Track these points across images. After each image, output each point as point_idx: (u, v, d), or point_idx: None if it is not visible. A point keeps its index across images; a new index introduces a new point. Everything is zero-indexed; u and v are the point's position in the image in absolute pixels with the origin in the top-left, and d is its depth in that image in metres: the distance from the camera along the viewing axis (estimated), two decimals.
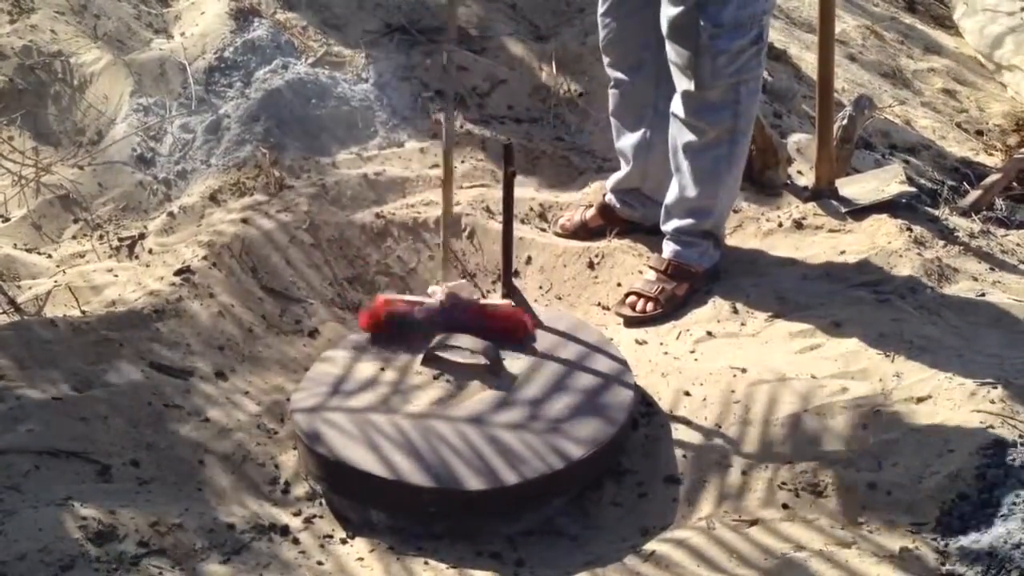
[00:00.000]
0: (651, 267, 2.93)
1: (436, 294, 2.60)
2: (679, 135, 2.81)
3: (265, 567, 2.16)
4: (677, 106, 2.78)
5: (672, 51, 2.71)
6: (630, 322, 2.86)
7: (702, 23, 2.60)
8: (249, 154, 3.40)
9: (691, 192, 2.84)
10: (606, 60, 2.98)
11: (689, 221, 2.88)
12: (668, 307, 2.86)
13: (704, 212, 2.87)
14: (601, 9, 2.90)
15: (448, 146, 2.58)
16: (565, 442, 2.34)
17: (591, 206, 3.20)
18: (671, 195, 2.92)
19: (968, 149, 4.13)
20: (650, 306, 2.86)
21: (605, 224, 3.15)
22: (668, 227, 2.93)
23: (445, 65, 2.51)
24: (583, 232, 3.16)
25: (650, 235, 3.10)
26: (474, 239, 3.21)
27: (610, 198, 3.15)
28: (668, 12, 2.67)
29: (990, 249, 3.07)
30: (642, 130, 3.00)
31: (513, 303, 2.62)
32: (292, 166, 3.39)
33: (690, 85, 2.70)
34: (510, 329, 2.57)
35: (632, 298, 2.89)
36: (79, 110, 3.66)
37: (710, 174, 2.81)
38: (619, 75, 2.97)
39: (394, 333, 2.60)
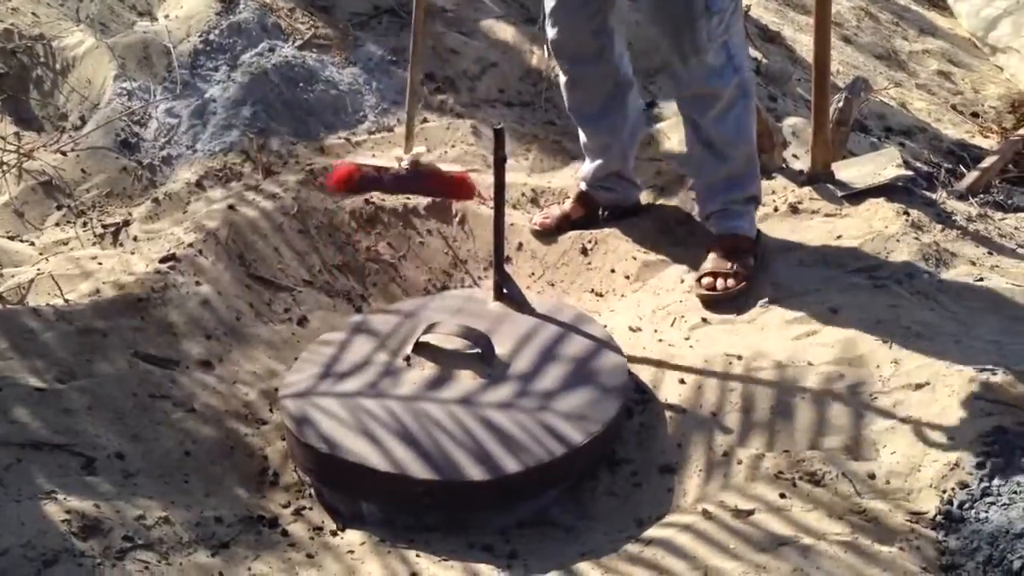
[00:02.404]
0: (710, 248, 2.87)
1: (403, 161, 3.04)
2: (699, 112, 2.80)
3: (254, 560, 2.13)
4: (684, 87, 2.79)
5: (662, 28, 2.71)
6: (712, 301, 2.77)
7: None
8: (235, 139, 3.35)
9: (732, 162, 2.84)
10: (559, 56, 2.95)
11: (736, 192, 2.87)
12: (745, 279, 2.79)
13: (748, 173, 2.87)
14: (548, 8, 2.87)
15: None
16: (563, 429, 2.30)
17: (567, 198, 3.16)
18: (709, 175, 2.88)
19: (964, 131, 4.10)
20: (731, 282, 2.79)
21: (586, 213, 3.12)
22: (716, 205, 2.89)
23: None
24: (567, 225, 3.12)
25: (638, 217, 3.09)
26: (465, 225, 3.16)
27: (587, 187, 3.12)
28: None
29: (988, 233, 3.03)
30: (612, 113, 2.98)
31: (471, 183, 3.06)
32: (279, 151, 3.34)
33: (690, 56, 2.71)
34: (458, 189, 3.04)
35: (708, 279, 2.81)
36: (62, 94, 3.60)
37: (739, 132, 2.82)
38: (576, 68, 2.94)
39: (359, 191, 3.11)
